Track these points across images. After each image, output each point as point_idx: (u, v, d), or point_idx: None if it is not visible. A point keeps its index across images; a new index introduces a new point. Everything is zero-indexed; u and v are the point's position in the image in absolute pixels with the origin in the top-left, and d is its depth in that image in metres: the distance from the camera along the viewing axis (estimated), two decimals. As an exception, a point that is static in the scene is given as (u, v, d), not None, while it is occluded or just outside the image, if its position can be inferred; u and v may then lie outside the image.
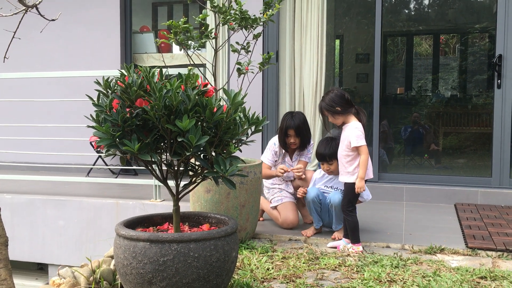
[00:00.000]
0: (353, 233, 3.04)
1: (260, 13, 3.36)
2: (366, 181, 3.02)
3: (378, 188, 4.49)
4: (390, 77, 8.61)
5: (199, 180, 2.33)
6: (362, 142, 2.96)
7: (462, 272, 2.58)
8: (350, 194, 3.03)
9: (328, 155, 3.22)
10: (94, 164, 5.21)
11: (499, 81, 4.35)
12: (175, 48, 5.73)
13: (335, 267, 2.71)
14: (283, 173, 3.48)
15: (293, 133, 3.48)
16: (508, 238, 3.20)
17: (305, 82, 4.93)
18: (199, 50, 3.38)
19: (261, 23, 3.32)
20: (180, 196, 2.33)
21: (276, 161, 3.62)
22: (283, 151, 3.62)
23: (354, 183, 2.98)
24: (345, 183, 3.05)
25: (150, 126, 2.16)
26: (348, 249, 3.03)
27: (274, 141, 3.62)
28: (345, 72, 8.17)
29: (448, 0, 7.86)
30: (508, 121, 4.34)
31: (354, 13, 7.61)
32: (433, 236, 3.30)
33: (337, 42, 7.91)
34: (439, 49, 8.51)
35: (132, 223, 2.35)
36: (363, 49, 7.62)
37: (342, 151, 3.05)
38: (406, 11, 8.03)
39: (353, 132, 2.98)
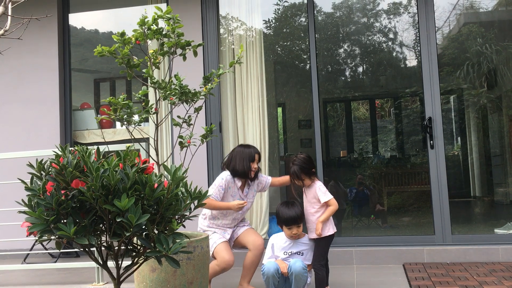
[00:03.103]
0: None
1: (200, 87, 3.43)
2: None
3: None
4: (332, 141, 8.91)
5: (142, 261, 2.23)
6: (330, 195, 3.32)
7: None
8: (322, 248, 3.29)
9: (299, 217, 3.27)
10: (31, 249, 4.90)
11: (431, 141, 4.59)
12: (118, 123, 5.70)
13: None
14: (241, 207, 3.43)
15: (258, 158, 3.60)
16: (456, 295, 3.24)
17: (249, 151, 4.99)
18: (140, 125, 3.37)
19: (201, 97, 3.38)
20: (121, 279, 2.21)
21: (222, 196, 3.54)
22: (237, 184, 3.57)
23: (325, 237, 3.27)
24: (316, 239, 3.29)
25: (87, 207, 2.08)
26: None
27: (223, 176, 3.55)
28: (289, 138, 8.37)
29: (380, 67, 8.40)
30: (444, 179, 4.53)
31: (293, 82, 7.95)
32: (385, 299, 3.28)
33: (279, 110, 8.17)
34: (375, 113, 8.96)
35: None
36: (304, 116, 7.88)
37: (311, 209, 3.32)
38: (343, 78, 8.47)
39: (320, 189, 3.33)
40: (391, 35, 7.97)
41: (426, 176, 4.66)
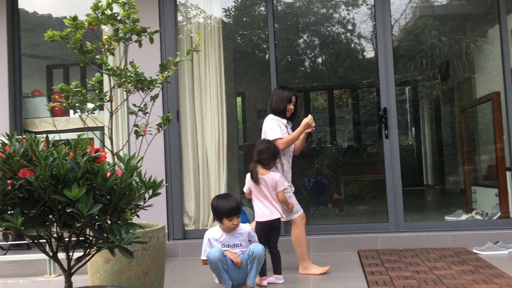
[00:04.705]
0: (280, 265, 3.57)
1: (157, 75, 3.37)
2: None
3: (285, 242, 4.53)
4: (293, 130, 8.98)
5: (94, 252, 2.18)
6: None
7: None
8: (279, 229, 3.65)
9: (240, 207, 3.32)
10: (-21, 241, 4.69)
11: (386, 131, 4.69)
12: (72, 111, 5.52)
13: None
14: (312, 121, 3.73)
15: (295, 99, 3.89)
16: (407, 281, 3.34)
17: (208, 140, 4.96)
18: (93, 113, 3.27)
19: (158, 85, 3.31)
20: (72, 271, 2.16)
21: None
22: (283, 122, 3.82)
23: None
24: (275, 222, 3.57)
25: (36, 197, 2.01)
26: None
27: (272, 118, 3.81)
28: (248, 128, 8.37)
29: (339, 58, 8.51)
30: (398, 169, 4.66)
31: (253, 72, 7.94)
32: (340, 286, 3.35)
33: (239, 99, 8.14)
34: (333, 103, 9.09)
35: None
36: (264, 105, 7.89)
37: (272, 194, 3.57)
38: (302, 69, 8.53)
39: (279, 178, 3.59)
40: (349, 27, 8.08)
41: (382, 166, 4.77)
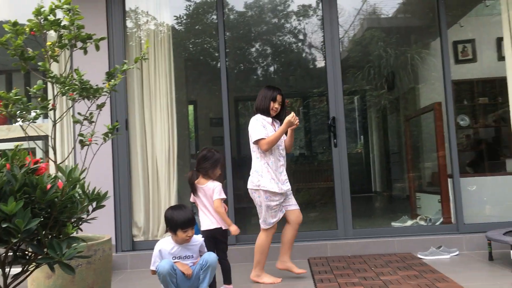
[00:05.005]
0: (229, 274, 3.55)
1: (103, 83, 3.29)
2: None
3: (236, 251, 4.52)
4: (244, 139, 8.99)
5: (32, 268, 2.09)
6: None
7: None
8: (227, 239, 3.58)
9: (194, 218, 3.23)
10: None
11: (335, 140, 4.79)
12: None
13: None
14: (294, 118, 3.67)
15: (280, 99, 3.88)
16: (355, 287, 3.40)
17: (158, 149, 4.88)
18: (35, 122, 3.15)
19: (104, 93, 3.23)
20: (9, 289, 2.05)
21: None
22: (268, 121, 3.83)
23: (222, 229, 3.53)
24: (222, 232, 3.51)
25: (-31, 212, 1.90)
26: None
27: (256, 118, 3.82)
28: (201, 136, 8.32)
29: (290, 67, 8.63)
30: (346, 176, 4.75)
31: (205, 80, 7.91)
32: (289, 294, 3.37)
33: (191, 107, 8.09)
34: (285, 111, 9.18)
35: None
36: (216, 114, 7.88)
37: (212, 204, 3.51)
38: (254, 77, 8.59)
39: (218, 187, 3.53)
40: (301, 37, 8.21)
41: (332, 173, 4.85)
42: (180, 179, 5.06)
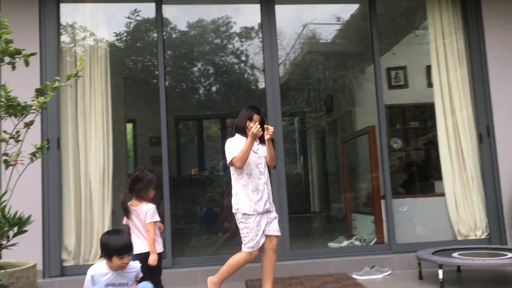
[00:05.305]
0: None
1: (32, 100, 3.14)
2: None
3: (171, 275, 4.41)
4: (184, 159, 8.89)
5: None
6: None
7: None
8: (159, 264, 3.43)
9: (132, 244, 3.11)
10: None
11: (273, 161, 4.82)
12: None
13: None
14: (258, 130, 3.55)
15: (258, 118, 3.78)
16: (290, 309, 3.41)
17: (92, 168, 4.71)
18: (-46, 140, 2.94)
19: (32, 111, 3.08)
20: None
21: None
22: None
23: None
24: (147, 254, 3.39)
25: None
26: None
27: (231, 139, 3.78)
28: (140, 155, 8.14)
29: (232, 87, 8.68)
30: (284, 198, 4.76)
31: (145, 98, 7.78)
32: (224, 319, 3.31)
33: (129, 126, 7.91)
34: (226, 132, 9.19)
35: None
36: (155, 133, 7.75)
37: (143, 227, 3.42)
38: (196, 97, 8.54)
39: (151, 209, 3.45)
40: (243, 58, 8.30)
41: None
42: (115, 199, 4.90)
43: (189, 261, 4.74)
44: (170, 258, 4.61)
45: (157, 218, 3.50)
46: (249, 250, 3.67)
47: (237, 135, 3.85)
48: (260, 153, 3.82)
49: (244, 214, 3.65)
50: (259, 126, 3.57)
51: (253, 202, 3.67)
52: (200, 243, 6.69)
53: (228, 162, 3.72)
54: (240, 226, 3.69)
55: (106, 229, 4.61)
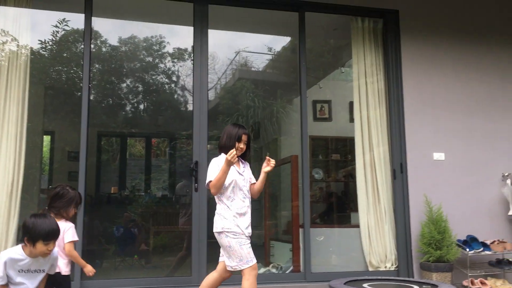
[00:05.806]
0: None
1: None
2: None
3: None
4: (104, 176, 8.56)
5: None
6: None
7: None
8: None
9: (59, 230, 2.91)
10: None
11: (196, 184, 4.78)
12: None
13: None
14: (233, 156, 3.37)
15: (246, 138, 3.70)
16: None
17: (-1, 181, 4.39)
18: None
19: None
20: None
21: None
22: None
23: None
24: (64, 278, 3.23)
25: None
26: None
27: (215, 160, 3.65)
28: (56, 169, 7.72)
29: (161, 107, 8.56)
30: (204, 222, 4.74)
31: (67, 111, 7.45)
32: None
33: (47, 138, 7.51)
34: (151, 151, 9.02)
35: None
36: (74, 147, 7.41)
37: (60, 246, 3.22)
38: (123, 113, 8.33)
39: (69, 228, 3.31)
40: (174, 78, 8.24)
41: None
42: (23, 216, 4.59)
43: (98, 284, 4.52)
44: (78, 281, 4.37)
45: (76, 238, 3.34)
46: (249, 265, 3.50)
47: (222, 154, 3.70)
48: (246, 176, 3.74)
49: (232, 232, 3.51)
50: (234, 153, 3.42)
51: (241, 226, 3.57)
52: (113, 266, 6.41)
53: (206, 183, 3.65)
54: (229, 243, 3.50)
55: (8, 247, 4.29)
